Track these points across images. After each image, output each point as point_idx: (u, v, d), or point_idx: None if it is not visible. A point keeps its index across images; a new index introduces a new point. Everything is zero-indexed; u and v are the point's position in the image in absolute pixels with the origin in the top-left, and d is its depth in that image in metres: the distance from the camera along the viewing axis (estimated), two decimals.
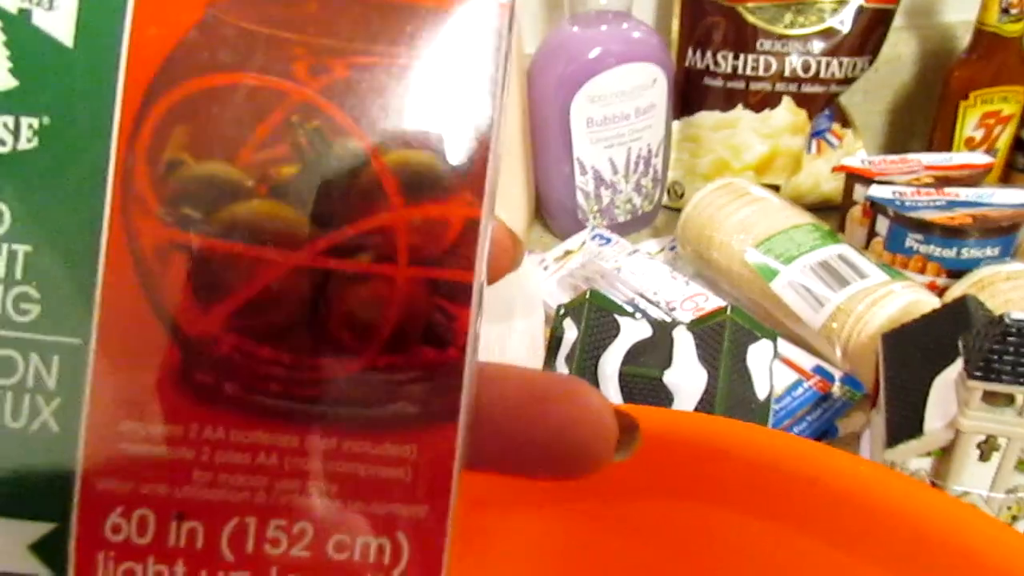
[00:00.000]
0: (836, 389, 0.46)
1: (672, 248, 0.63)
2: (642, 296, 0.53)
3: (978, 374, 0.33)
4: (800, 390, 0.46)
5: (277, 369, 0.12)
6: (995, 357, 0.32)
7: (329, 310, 0.12)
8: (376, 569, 0.12)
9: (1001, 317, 0.32)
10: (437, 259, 0.12)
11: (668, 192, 0.70)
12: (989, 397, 0.34)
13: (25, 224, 0.11)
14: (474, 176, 0.12)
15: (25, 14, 0.11)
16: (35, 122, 0.11)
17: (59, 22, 0.11)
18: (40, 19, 0.11)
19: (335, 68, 0.11)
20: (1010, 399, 0.33)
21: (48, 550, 0.12)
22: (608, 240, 0.60)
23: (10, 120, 0.11)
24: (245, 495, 0.12)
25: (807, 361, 0.48)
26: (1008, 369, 0.32)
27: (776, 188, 0.65)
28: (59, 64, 0.11)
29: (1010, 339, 0.32)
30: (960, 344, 0.35)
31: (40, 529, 0.12)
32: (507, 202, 0.63)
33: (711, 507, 0.23)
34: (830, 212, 0.62)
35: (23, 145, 0.11)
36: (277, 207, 0.11)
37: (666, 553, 0.23)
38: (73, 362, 0.11)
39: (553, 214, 0.67)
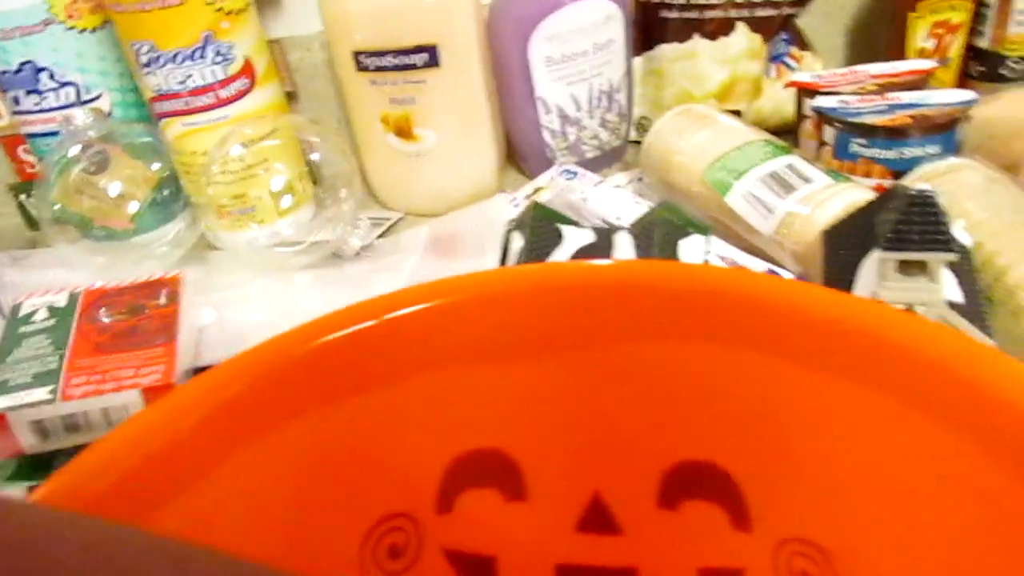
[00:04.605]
0: None
1: (640, 180, 0.65)
2: (606, 222, 0.55)
3: (889, 245, 0.35)
4: None
5: None
6: (903, 228, 0.34)
7: None
8: None
9: (904, 189, 0.34)
10: None
11: (637, 127, 0.72)
12: (904, 268, 0.36)
13: None
14: None
15: None
16: None
17: None
18: None
19: None
20: (923, 267, 0.35)
21: None
22: (575, 174, 0.62)
23: None
24: None
25: (760, 267, 0.50)
26: (915, 238, 0.34)
27: (738, 113, 0.67)
28: None
29: (914, 209, 0.34)
30: (876, 223, 0.37)
31: None
32: (477, 151, 0.65)
33: (698, 344, 0.24)
34: (792, 135, 0.64)
35: None
36: None
37: (660, 393, 0.25)
38: None
39: (524, 156, 0.69)
